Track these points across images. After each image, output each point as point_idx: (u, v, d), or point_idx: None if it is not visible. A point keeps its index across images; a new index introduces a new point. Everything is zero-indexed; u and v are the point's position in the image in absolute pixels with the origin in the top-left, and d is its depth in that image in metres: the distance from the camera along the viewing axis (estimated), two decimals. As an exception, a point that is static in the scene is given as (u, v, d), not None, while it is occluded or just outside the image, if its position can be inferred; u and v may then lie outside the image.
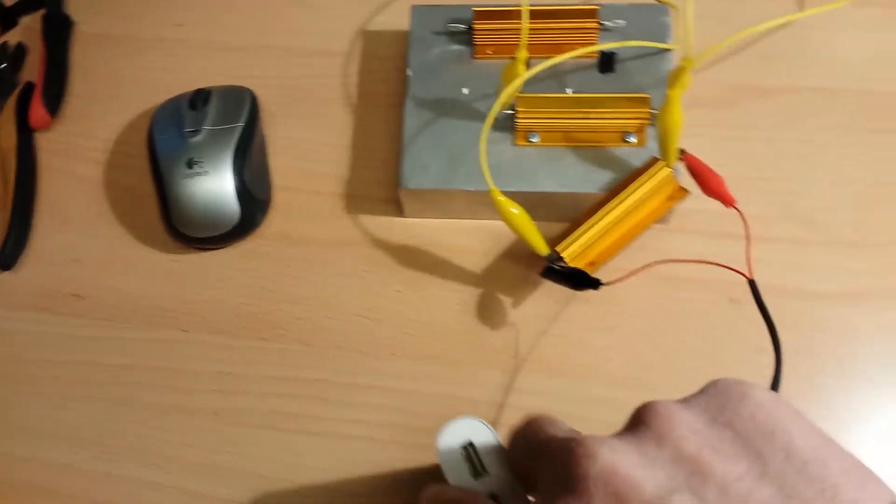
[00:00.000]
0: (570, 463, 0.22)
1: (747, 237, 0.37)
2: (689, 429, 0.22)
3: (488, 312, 0.42)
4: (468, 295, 0.43)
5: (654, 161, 0.39)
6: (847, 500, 0.20)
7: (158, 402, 0.42)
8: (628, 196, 0.38)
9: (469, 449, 0.30)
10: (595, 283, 0.38)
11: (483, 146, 0.38)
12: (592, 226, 0.38)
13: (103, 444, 0.41)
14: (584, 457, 0.22)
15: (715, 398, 0.23)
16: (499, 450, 0.30)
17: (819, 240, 0.43)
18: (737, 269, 0.36)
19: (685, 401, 0.23)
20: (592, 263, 0.39)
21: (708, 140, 0.44)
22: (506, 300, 0.42)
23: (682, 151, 0.39)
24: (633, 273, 0.37)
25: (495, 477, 0.29)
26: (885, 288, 0.41)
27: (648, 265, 0.37)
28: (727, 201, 0.38)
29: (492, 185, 0.39)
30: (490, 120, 0.39)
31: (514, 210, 0.39)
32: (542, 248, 0.39)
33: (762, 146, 0.45)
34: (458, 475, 0.30)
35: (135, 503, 0.40)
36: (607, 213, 0.39)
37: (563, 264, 0.38)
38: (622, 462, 0.21)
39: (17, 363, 0.43)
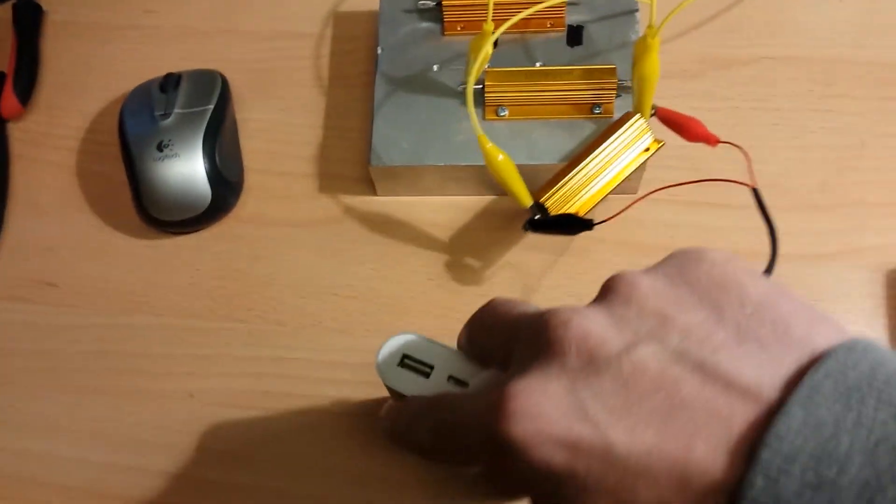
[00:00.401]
0: (544, 331, 0.23)
1: (747, 159, 0.36)
2: (651, 289, 0.23)
3: (462, 285, 0.42)
4: (441, 269, 0.43)
5: (629, 115, 0.39)
6: (799, 335, 0.21)
7: (133, 387, 0.42)
8: (606, 147, 0.39)
9: (406, 359, 0.30)
10: (588, 224, 0.38)
11: (470, 96, 0.37)
12: (573, 176, 0.39)
13: (79, 432, 0.41)
14: (558, 324, 0.23)
15: (674, 263, 0.24)
16: (434, 344, 0.30)
17: (786, 205, 0.43)
18: (739, 180, 0.36)
19: (648, 269, 0.25)
20: (576, 213, 0.39)
21: (677, 111, 0.45)
22: (479, 272, 0.42)
23: (655, 107, 0.39)
24: (629, 206, 0.37)
25: (445, 364, 0.29)
26: (851, 248, 0.41)
27: (645, 195, 0.38)
28: (711, 140, 0.38)
29: (480, 132, 0.38)
30: (470, 93, 0.38)
31: (500, 157, 0.39)
32: (526, 199, 0.39)
33: (728, 115, 0.45)
34: (408, 385, 0.29)
35: (113, 488, 0.40)
36: (587, 164, 0.39)
37: (548, 214, 0.38)
38: (593, 324, 0.23)
39: (-9, 352, 0.43)
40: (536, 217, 0.38)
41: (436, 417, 0.27)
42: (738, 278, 0.23)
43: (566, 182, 0.39)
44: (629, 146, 0.39)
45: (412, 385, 0.29)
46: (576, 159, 0.39)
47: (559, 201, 0.39)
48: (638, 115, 0.39)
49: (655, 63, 0.37)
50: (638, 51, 0.38)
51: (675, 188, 0.42)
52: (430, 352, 0.30)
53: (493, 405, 0.23)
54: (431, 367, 0.29)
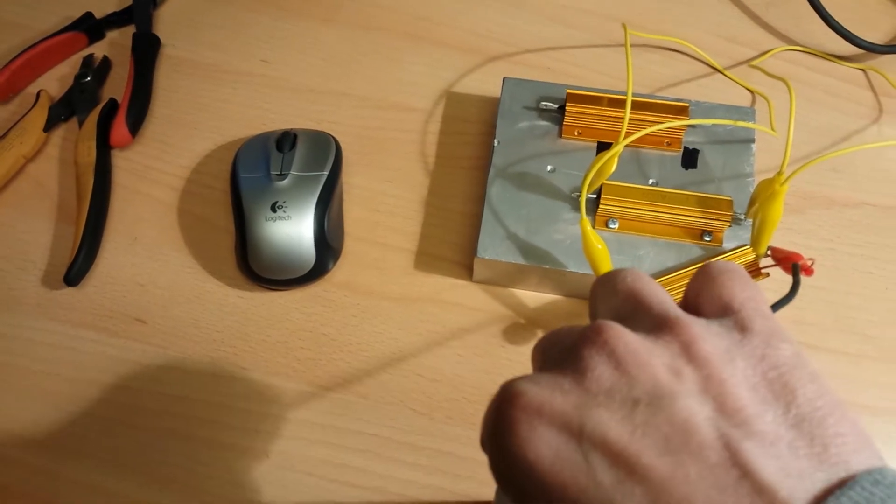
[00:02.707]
0: (578, 343, 0.23)
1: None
2: (713, 348, 0.22)
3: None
4: (529, 364, 0.43)
5: (743, 251, 0.40)
6: (835, 454, 0.20)
7: (210, 437, 0.42)
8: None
9: None
10: None
11: (585, 189, 0.39)
12: (666, 286, 0.39)
13: (150, 474, 0.41)
14: (594, 341, 0.22)
15: (751, 334, 0.23)
16: None
17: (875, 355, 0.43)
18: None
19: (718, 321, 0.23)
20: None
21: (775, 243, 0.45)
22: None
23: (770, 247, 0.40)
24: None
25: None
26: (941, 414, 0.42)
27: None
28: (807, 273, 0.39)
29: (584, 216, 0.39)
30: (584, 197, 0.39)
31: (599, 246, 0.39)
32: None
33: (826, 256, 0.46)
34: None
35: (175, 537, 0.40)
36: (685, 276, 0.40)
37: None
38: (630, 354, 0.22)
39: (69, 381, 0.43)
40: None
41: None
42: (793, 375, 0.22)
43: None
44: None
45: None
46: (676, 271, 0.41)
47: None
48: (751, 251, 0.40)
49: (780, 209, 0.38)
50: (762, 191, 0.39)
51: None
52: None
53: (497, 401, 0.23)
54: None
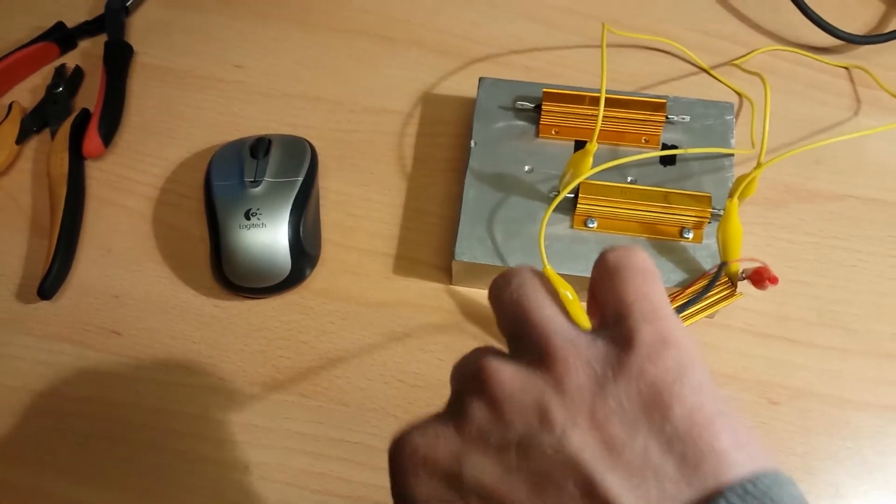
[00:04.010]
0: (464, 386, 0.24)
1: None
2: (581, 372, 0.22)
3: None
4: (510, 371, 0.43)
5: (722, 275, 0.40)
6: (706, 470, 0.20)
7: (189, 449, 0.41)
8: (686, 300, 0.39)
9: None
10: None
11: (543, 230, 0.38)
12: None
13: (130, 488, 0.41)
14: (476, 383, 0.23)
15: (618, 340, 0.23)
16: None
17: (859, 349, 0.43)
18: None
19: (593, 332, 0.24)
20: None
21: (759, 238, 0.45)
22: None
23: (746, 270, 0.39)
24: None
25: None
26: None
27: None
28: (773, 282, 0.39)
29: (547, 266, 0.39)
30: (552, 206, 0.39)
31: (569, 294, 0.39)
32: (585, 323, 0.39)
33: (809, 250, 0.45)
34: None
35: (155, 552, 0.39)
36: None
37: None
38: (504, 394, 0.23)
39: (46, 396, 0.42)
40: None
41: None
42: (671, 391, 0.21)
43: None
44: (708, 300, 0.40)
45: None
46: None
47: None
48: (730, 288, 0.40)
49: (737, 225, 0.39)
50: (739, 185, 0.39)
51: (753, 319, 0.42)
52: None
53: (390, 450, 0.24)
54: None
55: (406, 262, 0.46)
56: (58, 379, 0.43)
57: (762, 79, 0.40)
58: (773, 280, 0.37)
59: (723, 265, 0.39)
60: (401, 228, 0.47)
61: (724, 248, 0.39)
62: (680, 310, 0.38)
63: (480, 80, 0.46)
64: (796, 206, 0.46)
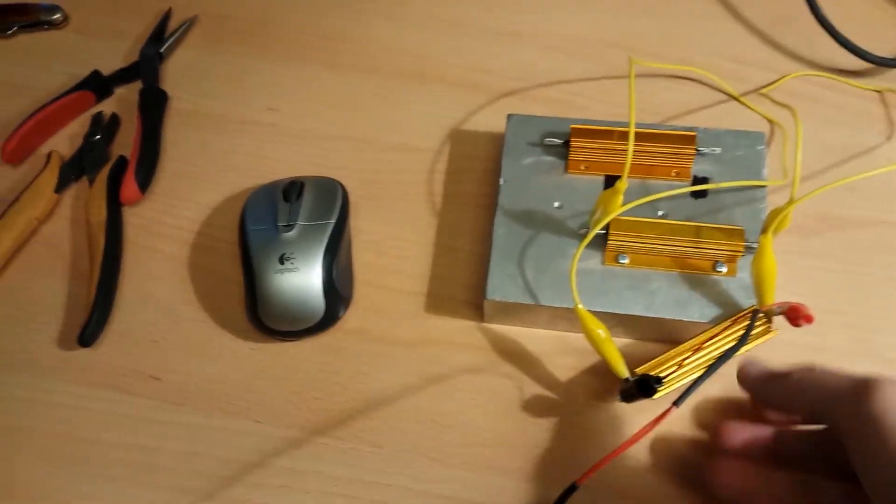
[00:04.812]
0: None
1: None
2: None
3: (566, 429, 0.42)
4: (546, 408, 0.42)
5: (755, 314, 0.39)
6: None
7: (225, 494, 0.42)
8: (721, 341, 0.39)
9: None
10: (649, 391, 0.38)
11: (574, 268, 0.38)
12: (680, 364, 0.39)
13: (169, 534, 0.41)
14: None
15: None
16: None
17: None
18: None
19: None
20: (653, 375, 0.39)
21: (793, 268, 0.44)
22: (584, 417, 0.42)
23: (784, 305, 0.39)
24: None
25: None
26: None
27: None
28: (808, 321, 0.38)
29: (579, 305, 0.39)
30: (583, 245, 0.39)
31: (601, 332, 0.39)
32: (622, 372, 0.39)
33: (844, 278, 0.45)
34: None
35: None
36: (695, 352, 0.39)
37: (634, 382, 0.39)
38: None
39: (87, 442, 0.43)
40: (626, 389, 0.39)
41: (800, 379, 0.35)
42: None
43: (669, 368, 0.39)
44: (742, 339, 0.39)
45: None
46: (687, 346, 0.40)
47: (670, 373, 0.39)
48: (767, 325, 0.39)
49: (771, 261, 0.38)
50: (773, 218, 0.38)
51: (788, 350, 0.42)
52: None
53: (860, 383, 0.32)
54: None
55: (438, 301, 0.46)
56: (98, 425, 0.44)
57: (792, 112, 0.40)
58: (809, 319, 0.37)
59: (756, 312, 0.39)
60: (432, 266, 0.47)
61: (758, 284, 0.39)
62: (723, 358, 0.38)
63: (509, 117, 0.47)
64: (830, 234, 0.46)
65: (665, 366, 0.39)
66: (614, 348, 0.39)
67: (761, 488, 0.36)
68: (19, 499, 0.42)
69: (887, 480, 0.30)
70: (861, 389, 0.31)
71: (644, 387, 0.38)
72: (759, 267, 0.39)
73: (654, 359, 0.40)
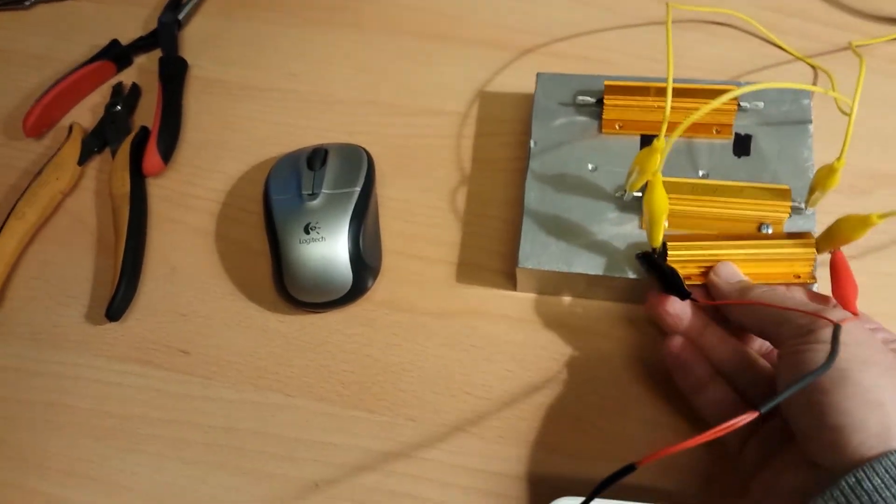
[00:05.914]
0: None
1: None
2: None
3: (606, 403, 0.40)
4: (584, 381, 0.41)
5: (807, 240, 0.37)
6: None
7: (257, 468, 0.41)
8: (761, 246, 0.37)
9: None
10: (685, 294, 0.37)
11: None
12: (712, 246, 0.38)
13: (202, 509, 0.41)
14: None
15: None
16: None
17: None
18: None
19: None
20: (687, 278, 0.38)
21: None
22: (623, 391, 0.40)
23: (837, 250, 0.37)
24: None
25: None
26: None
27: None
28: (852, 311, 0.36)
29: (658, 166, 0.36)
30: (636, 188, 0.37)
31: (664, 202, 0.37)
32: (657, 242, 0.38)
33: (898, 239, 0.42)
34: None
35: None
36: (733, 245, 0.38)
37: (661, 259, 0.38)
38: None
39: (117, 417, 0.43)
40: (651, 253, 0.38)
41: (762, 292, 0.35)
42: None
43: (703, 247, 0.38)
44: (783, 260, 0.37)
45: None
46: (728, 235, 0.39)
47: (683, 255, 0.38)
48: (812, 241, 0.37)
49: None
50: (822, 178, 0.36)
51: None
52: None
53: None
54: None
55: (469, 269, 0.44)
56: (128, 400, 0.43)
57: (856, 52, 0.37)
58: (853, 311, 0.36)
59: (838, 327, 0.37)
60: (462, 234, 0.45)
61: (828, 232, 0.37)
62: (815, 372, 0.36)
63: (538, 75, 0.45)
64: (883, 192, 0.43)
65: (693, 248, 0.38)
66: (663, 219, 0.37)
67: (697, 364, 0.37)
68: (51, 473, 0.42)
69: (804, 403, 0.31)
70: (821, 319, 0.32)
71: (672, 284, 0.37)
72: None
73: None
